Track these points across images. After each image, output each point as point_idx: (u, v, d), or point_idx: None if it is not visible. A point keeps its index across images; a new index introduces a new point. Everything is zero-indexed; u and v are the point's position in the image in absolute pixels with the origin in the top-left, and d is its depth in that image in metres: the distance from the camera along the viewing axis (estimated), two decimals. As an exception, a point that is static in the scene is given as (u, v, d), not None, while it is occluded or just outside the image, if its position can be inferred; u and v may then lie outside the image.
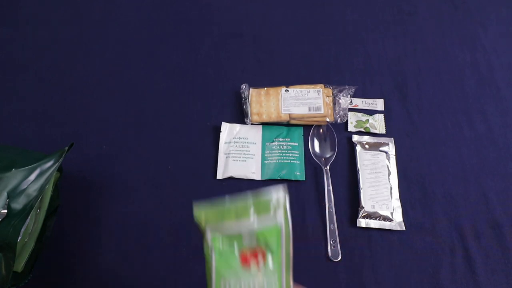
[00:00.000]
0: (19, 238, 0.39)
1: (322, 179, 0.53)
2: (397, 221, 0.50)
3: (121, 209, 0.51)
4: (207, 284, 0.26)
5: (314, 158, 0.54)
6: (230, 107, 0.59)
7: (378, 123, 0.57)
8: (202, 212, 0.26)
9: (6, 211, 0.41)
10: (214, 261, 0.26)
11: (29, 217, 0.41)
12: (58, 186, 0.51)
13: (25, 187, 0.42)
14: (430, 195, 0.52)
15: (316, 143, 0.56)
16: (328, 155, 0.55)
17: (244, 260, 0.26)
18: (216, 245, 0.26)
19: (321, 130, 0.57)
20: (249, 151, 0.55)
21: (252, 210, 0.26)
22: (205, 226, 0.26)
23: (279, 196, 0.26)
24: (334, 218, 0.50)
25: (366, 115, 0.58)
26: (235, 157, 0.55)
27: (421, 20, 0.68)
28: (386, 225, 0.50)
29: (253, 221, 0.26)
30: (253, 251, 0.26)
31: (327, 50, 0.65)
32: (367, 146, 0.55)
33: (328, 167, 0.53)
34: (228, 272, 0.25)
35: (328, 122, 0.56)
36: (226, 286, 0.25)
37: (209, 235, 0.26)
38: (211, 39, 0.66)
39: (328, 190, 0.51)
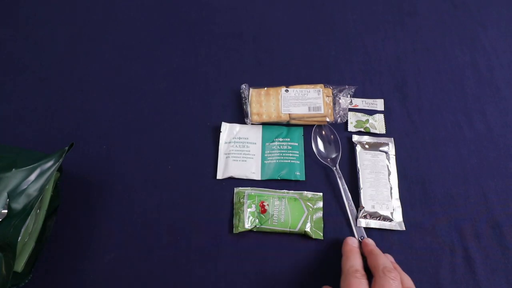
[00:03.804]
0: (19, 238, 0.39)
1: (322, 179, 0.53)
2: (397, 221, 0.50)
3: (121, 209, 0.52)
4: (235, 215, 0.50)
5: (321, 160, 0.54)
6: (230, 107, 0.59)
7: (378, 123, 0.57)
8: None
9: (6, 211, 0.41)
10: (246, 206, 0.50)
11: (29, 217, 0.41)
12: (58, 186, 0.51)
13: (25, 187, 0.42)
14: (430, 195, 0.52)
15: (321, 144, 0.56)
16: (334, 155, 0.54)
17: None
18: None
19: (323, 132, 0.57)
20: (249, 151, 0.55)
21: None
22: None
23: None
24: (354, 215, 0.50)
25: (366, 115, 0.58)
26: (235, 157, 0.55)
27: (421, 20, 0.68)
28: (386, 225, 0.50)
29: None
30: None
31: (327, 50, 0.65)
32: (367, 146, 0.55)
33: (337, 166, 0.53)
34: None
35: (328, 122, 0.56)
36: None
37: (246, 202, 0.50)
38: (211, 39, 0.66)
39: (344, 189, 0.51)
